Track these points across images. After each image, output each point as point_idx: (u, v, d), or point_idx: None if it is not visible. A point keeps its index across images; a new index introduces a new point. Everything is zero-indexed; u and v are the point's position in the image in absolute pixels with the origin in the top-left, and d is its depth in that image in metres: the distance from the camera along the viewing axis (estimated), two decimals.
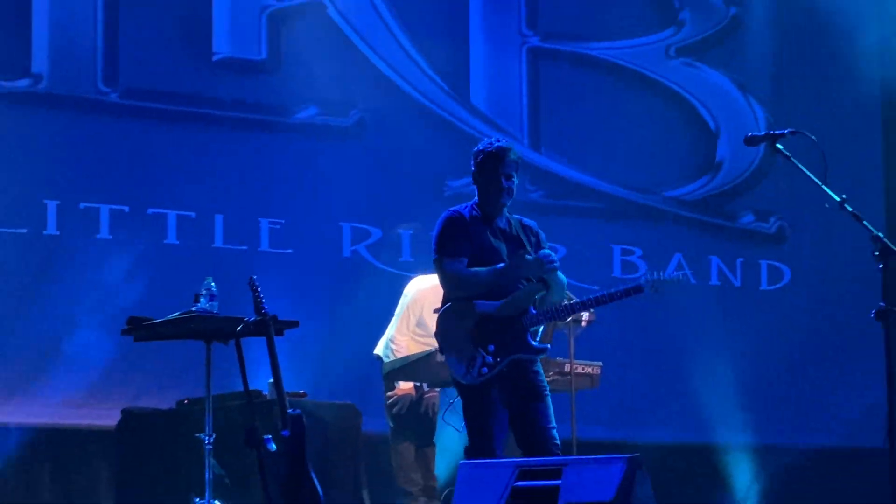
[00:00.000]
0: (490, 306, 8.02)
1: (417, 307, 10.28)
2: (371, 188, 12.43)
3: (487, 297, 8.03)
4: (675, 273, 8.26)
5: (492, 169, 8.10)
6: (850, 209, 7.41)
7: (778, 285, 13.44)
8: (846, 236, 7.92)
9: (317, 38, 12.38)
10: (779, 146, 7.88)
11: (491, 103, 13.25)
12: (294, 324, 8.29)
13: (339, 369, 11.36)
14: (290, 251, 12.06)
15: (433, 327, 9.45)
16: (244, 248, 11.93)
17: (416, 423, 10.24)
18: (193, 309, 8.14)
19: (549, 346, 8.28)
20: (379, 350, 10.34)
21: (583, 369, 10.01)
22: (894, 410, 7.22)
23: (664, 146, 13.00)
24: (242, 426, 8.00)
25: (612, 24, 13.82)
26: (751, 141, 8.31)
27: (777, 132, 8.00)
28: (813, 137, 7.89)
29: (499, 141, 8.24)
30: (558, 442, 8.11)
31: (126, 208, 11.58)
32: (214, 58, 12.16)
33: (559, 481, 7.09)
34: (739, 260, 13.47)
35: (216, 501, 8.15)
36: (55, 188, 11.37)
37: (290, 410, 7.95)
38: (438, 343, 8.27)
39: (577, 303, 8.28)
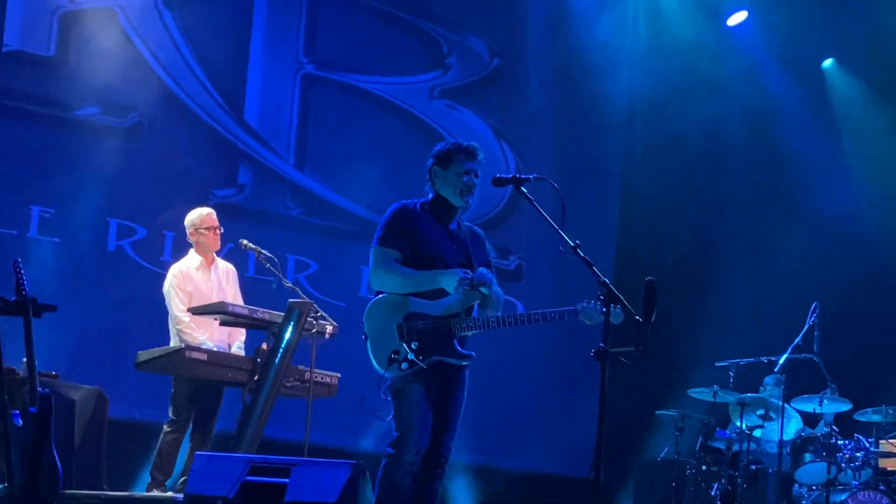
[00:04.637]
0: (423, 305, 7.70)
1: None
2: (141, 189, 12.30)
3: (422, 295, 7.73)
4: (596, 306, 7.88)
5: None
6: (582, 255, 7.47)
7: None
8: (578, 279, 7.98)
9: (105, 43, 12.27)
10: (523, 189, 7.93)
11: (262, 121, 13.27)
12: (52, 308, 8.14)
13: (92, 356, 11.24)
14: (57, 240, 11.87)
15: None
16: (14, 232, 11.72)
17: None
18: None
19: (473, 354, 7.80)
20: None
21: (322, 378, 10.02)
22: (602, 445, 7.34)
23: (418, 178, 13.04)
24: None
25: (383, 61, 13.92)
26: (498, 182, 8.28)
27: (522, 176, 8.02)
28: (555, 185, 7.94)
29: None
30: (446, 453, 7.80)
31: None
32: (4, 49, 11.96)
33: (287, 480, 7.10)
34: None
35: None
36: None
37: (40, 389, 7.85)
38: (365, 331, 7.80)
39: (506, 318, 7.78)
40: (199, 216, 10.48)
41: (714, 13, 15.31)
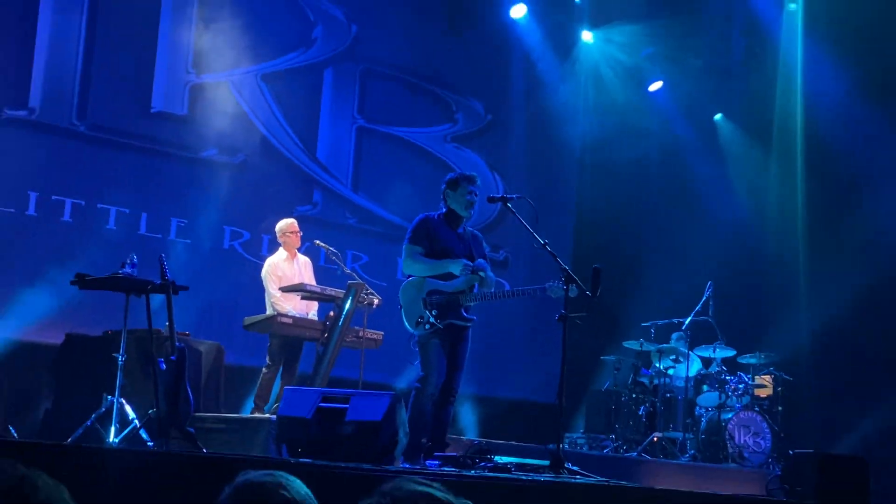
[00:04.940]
0: (439, 285, 7.77)
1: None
2: (246, 206, 12.30)
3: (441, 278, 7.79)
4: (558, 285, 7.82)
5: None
6: (549, 249, 7.54)
7: None
8: (547, 266, 8.01)
9: (221, 105, 12.26)
10: (508, 205, 7.98)
11: (329, 159, 13.27)
12: (185, 288, 8.20)
13: (213, 321, 11.29)
14: (189, 241, 11.88)
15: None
16: (159, 236, 11.73)
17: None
18: (119, 272, 8.01)
19: (474, 318, 7.90)
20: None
21: (371, 335, 10.03)
22: (564, 380, 7.35)
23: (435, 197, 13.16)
24: (144, 351, 7.93)
25: (411, 116, 13.91)
26: (491, 200, 8.37)
27: (508, 196, 8.10)
28: (531, 201, 7.99)
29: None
30: (456, 387, 7.88)
31: (83, 202, 11.35)
32: (152, 110, 11.99)
33: (347, 405, 7.11)
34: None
35: (121, 400, 7.97)
36: (37, 184, 11.12)
37: (177, 344, 7.87)
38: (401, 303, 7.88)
39: (497, 293, 8.01)
40: (286, 224, 10.49)
41: (639, 82, 15.29)
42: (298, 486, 2.64)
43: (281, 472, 2.65)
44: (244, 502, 2.54)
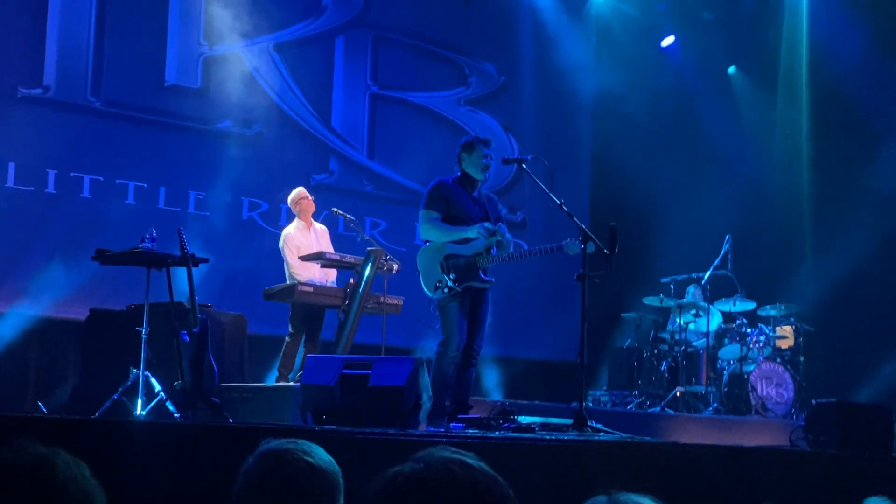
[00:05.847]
0: (457, 248, 7.74)
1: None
2: (263, 177, 12.29)
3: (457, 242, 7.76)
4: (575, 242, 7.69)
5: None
6: (566, 209, 7.50)
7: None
8: (565, 226, 7.98)
9: (235, 77, 12.22)
10: (524, 166, 7.94)
11: (344, 127, 13.23)
12: (205, 260, 8.23)
13: (235, 292, 11.31)
14: (207, 213, 11.89)
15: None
16: (178, 209, 11.75)
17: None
18: (140, 246, 8.03)
19: (493, 279, 7.88)
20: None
21: (392, 301, 10.02)
22: (585, 338, 7.34)
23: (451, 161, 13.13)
24: (167, 324, 7.96)
25: (424, 81, 13.86)
26: (506, 162, 8.32)
27: (523, 157, 8.06)
28: (545, 162, 7.97)
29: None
30: (478, 349, 7.89)
31: (101, 178, 11.37)
32: (166, 84, 11.98)
33: (370, 371, 7.11)
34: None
35: (147, 373, 8.00)
36: (55, 161, 11.13)
37: (199, 316, 7.90)
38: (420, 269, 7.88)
39: (514, 253, 7.93)
40: (296, 193, 10.48)
41: (651, 38, 15.21)
42: (320, 452, 2.65)
43: (303, 440, 2.66)
44: (267, 470, 2.56)
